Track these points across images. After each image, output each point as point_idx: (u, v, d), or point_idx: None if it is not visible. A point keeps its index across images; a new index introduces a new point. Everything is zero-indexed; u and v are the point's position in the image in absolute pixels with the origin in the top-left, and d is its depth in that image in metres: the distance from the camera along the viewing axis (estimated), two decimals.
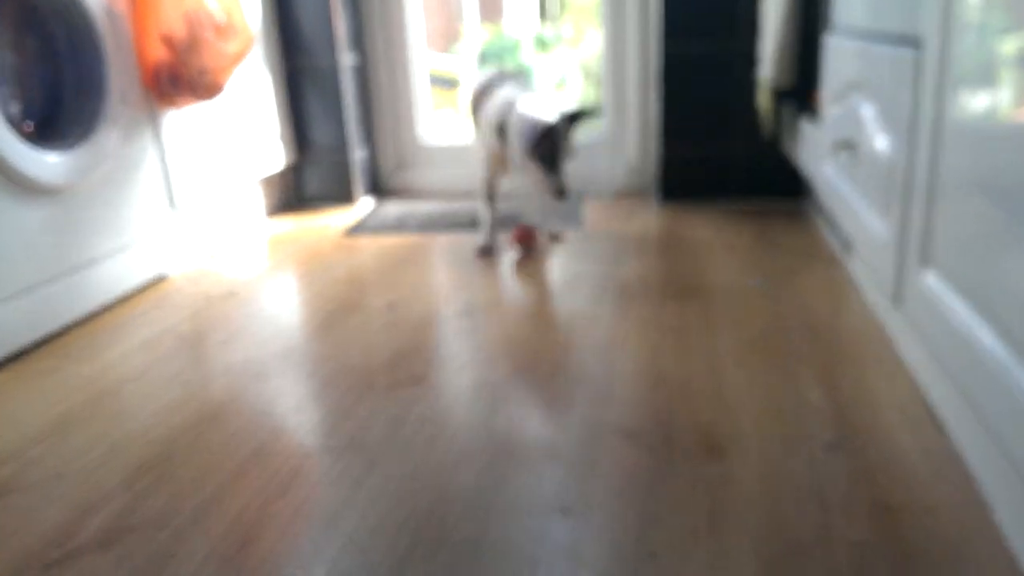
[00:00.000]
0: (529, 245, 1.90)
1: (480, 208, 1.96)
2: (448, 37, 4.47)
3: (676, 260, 1.79)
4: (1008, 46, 0.72)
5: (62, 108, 1.59)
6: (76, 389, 1.30)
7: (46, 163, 1.47)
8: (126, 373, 1.35)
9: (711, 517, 0.87)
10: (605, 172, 2.53)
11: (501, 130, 1.76)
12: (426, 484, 0.97)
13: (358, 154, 2.49)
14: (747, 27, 2.12)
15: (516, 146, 1.70)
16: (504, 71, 1.97)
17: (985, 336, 0.75)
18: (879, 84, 1.12)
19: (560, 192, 1.68)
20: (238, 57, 1.82)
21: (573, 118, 1.71)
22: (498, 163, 1.87)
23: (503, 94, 1.81)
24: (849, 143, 1.27)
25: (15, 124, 1.44)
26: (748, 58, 2.13)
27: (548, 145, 1.66)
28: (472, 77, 2.11)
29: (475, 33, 3.80)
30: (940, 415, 1.04)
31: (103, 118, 1.62)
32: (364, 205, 2.50)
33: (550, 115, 1.66)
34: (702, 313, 1.46)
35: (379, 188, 2.67)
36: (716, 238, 1.94)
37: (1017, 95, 0.71)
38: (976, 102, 0.79)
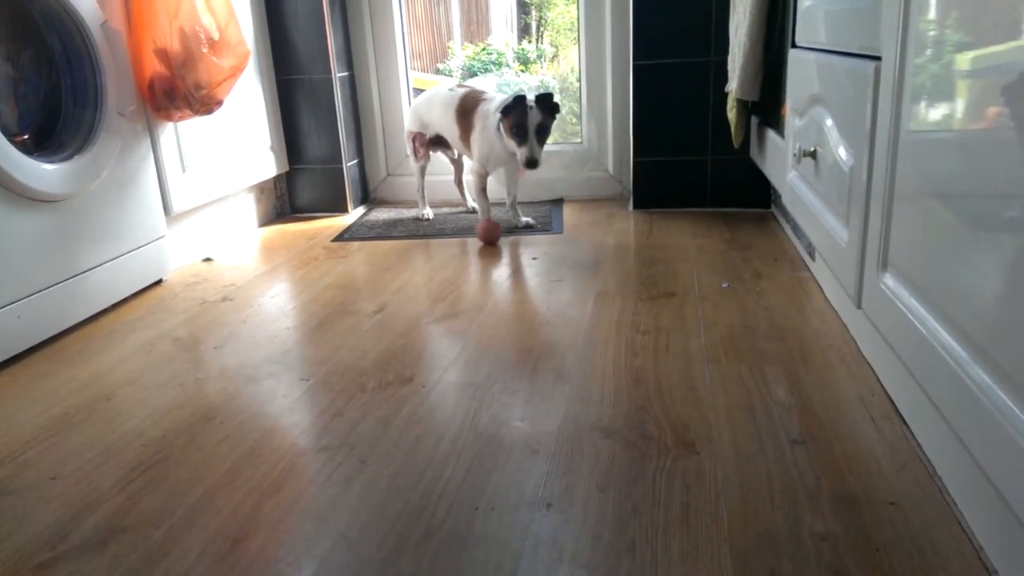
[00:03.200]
0: (492, 237, 2.05)
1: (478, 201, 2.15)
2: (436, 54, 4.45)
3: (651, 264, 1.79)
4: (961, 61, 0.72)
5: (60, 120, 1.56)
6: (72, 392, 1.27)
7: (44, 173, 1.44)
8: (121, 377, 1.32)
9: (686, 510, 0.86)
10: (583, 180, 2.52)
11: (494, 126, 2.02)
12: (414, 481, 0.95)
13: (349, 164, 2.47)
14: (717, 42, 2.12)
15: (495, 127, 2.00)
16: (476, 88, 2.18)
17: (941, 334, 0.75)
18: (840, 96, 1.12)
19: (531, 162, 1.93)
20: (234, 72, 1.80)
21: (544, 99, 1.96)
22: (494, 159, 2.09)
23: (496, 101, 2.04)
24: (811, 153, 1.27)
25: (13, 135, 1.41)
26: (718, 72, 2.14)
27: (519, 116, 1.93)
28: (450, 90, 2.21)
29: (461, 50, 3.80)
30: (902, 411, 1.04)
31: (100, 129, 1.59)
32: (355, 213, 2.48)
33: (524, 100, 1.93)
34: (676, 315, 1.46)
35: (369, 197, 2.65)
36: (689, 243, 1.94)
37: (968, 107, 0.70)
38: (931, 114, 0.79)
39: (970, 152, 0.70)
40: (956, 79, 0.73)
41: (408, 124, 2.31)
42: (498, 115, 1.99)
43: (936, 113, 0.78)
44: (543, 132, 1.96)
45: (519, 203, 2.30)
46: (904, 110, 0.85)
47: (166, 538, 0.87)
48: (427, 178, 2.37)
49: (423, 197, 2.36)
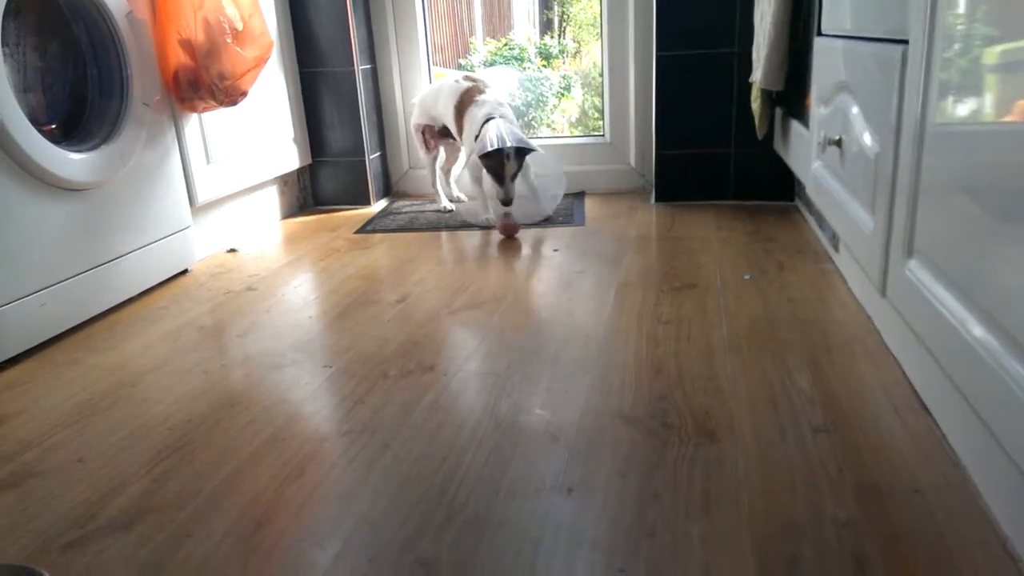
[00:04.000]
0: (511, 233, 2.05)
1: (475, 189, 2.21)
2: (458, 48, 4.46)
3: (673, 256, 1.78)
4: (990, 50, 0.71)
5: (87, 109, 1.58)
6: (97, 379, 1.29)
7: (71, 162, 1.47)
8: (147, 363, 1.35)
9: (706, 497, 0.86)
10: (605, 173, 2.51)
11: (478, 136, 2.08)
12: (435, 466, 0.96)
13: (371, 157, 2.48)
14: (742, 33, 2.10)
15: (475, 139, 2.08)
16: (476, 81, 2.23)
17: (967, 321, 0.74)
18: (867, 83, 1.10)
19: (505, 201, 2.04)
20: (257, 63, 1.82)
21: (520, 151, 2.03)
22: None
23: (484, 109, 2.11)
24: (837, 141, 1.25)
25: (41, 125, 1.44)
26: (742, 63, 2.12)
27: (496, 164, 2.01)
28: (451, 83, 2.25)
29: (483, 45, 3.80)
30: (926, 401, 1.03)
31: (126, 119, 1.61)
32: (377, 205, 2.50)
33: (502, 141, 1.99)
34: (698, 306, 1.45)
35: (391, 189, 2.66)
36: (712, 236, 1.92)
37: (996, 95, 0.69)
38: (960, 95, 0.78)
39: (1003, 136, 0.69)
40: (984, 68, 0.72)
41: (416, 117, 2.33)
42: (479, 142, 2.04)
43: (966, 94, 0.77)
44: (517, 174, 2.07)
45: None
46: (932, 92, 0.83)
47: (191, 519, 0.88)
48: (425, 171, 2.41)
49: (439, 190, 2.37)
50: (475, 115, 2.12)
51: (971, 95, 0.75)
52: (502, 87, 2.23)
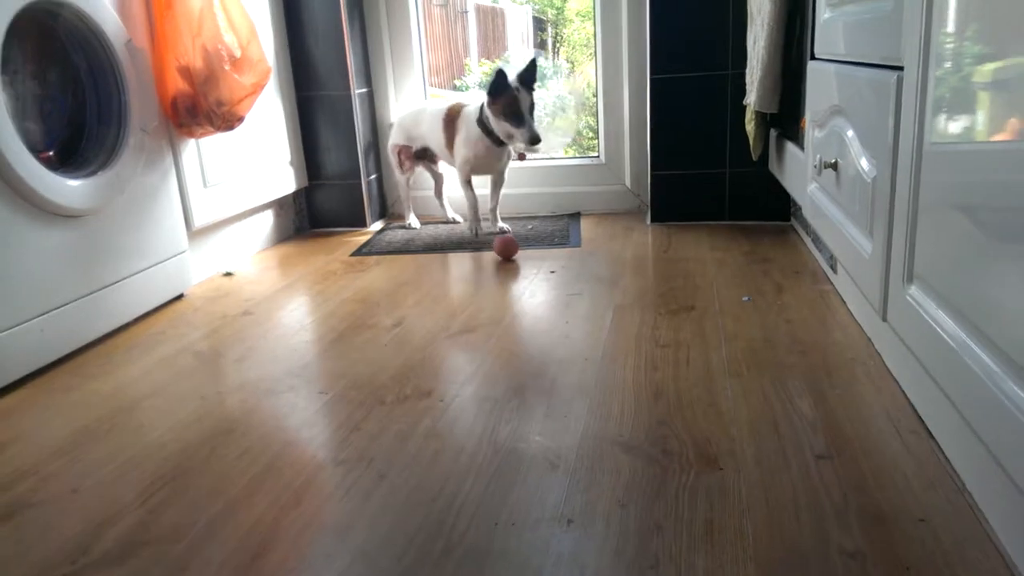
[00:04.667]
0: (509, 253, 2.03)
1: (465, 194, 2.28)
2: (453, 70, 4.48)
3: (670, 278, 1.77)
4: (984, 71, 0.71)
5: (84, 136, 1.58)
6: (93, 406, 1.27)
7: (68, 189, 1.46)
8: (143, 390, 1.33)
9: (709, 527, 0.85)
10: (601, 194, 2.52)
11: (482, 124, 2.13)
12: (433, 495, 0.95)
13: (368, 179, 2.48)
14: (735, 55, 2.12)
15: (476, 129, 2.12)
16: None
17: (971, 347, 0.73)
18: (862, 107, 1.10)
19: (535, 139, 2.01)
20: (255, 89, 1.82)
21: (526, 76, 2.03)
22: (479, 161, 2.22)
23: (475, 107, 2.16)
24: (832, 164, 1.25)
25: (39, 152, 1.43)
26: (736, 85, 2.13)
27: (510, 100, 2.01)
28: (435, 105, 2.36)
29: (478, 67, 3.82)
30: (930, 426, 1.02)
31: (124, 146, 1.61)
32: (373, 228, 2.49)
33: (507, 80, 2.00)
34: (696, 328, 1.44)
35: (387, 212, 2.66)
36: (708, 257, 1.92)
37: (993, 117, 0.69)
38: (956, 122, 0.77)
39: (999, 160, 0.68)
40: (979, 88, 0.72)
41: (393, 138, 2.41)
42: (477, 117, 2.13)
43: (961, 122, 0.77)
44: (533, 108, 2.06)
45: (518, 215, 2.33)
46: (927, 118, 0.83)
47: (186, 552, 0.87)
48: (428, 192, 2.52)
49: (409, 207, 2.46)
50: (468, 112, 2.19)
51: (966, 118, 0.75)
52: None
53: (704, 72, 2.16)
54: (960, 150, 0.77)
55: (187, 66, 1.67)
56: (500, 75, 2.01)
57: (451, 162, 2.30)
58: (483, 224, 2.28)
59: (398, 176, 2.43)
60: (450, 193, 2.48)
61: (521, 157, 2.30)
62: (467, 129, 2.18)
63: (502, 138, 2.11)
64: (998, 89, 0.68)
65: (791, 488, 0.91)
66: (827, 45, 1.36)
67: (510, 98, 2.02)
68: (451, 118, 2.23)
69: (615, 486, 0.94)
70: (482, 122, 2.13)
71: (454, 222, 2.47)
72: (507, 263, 2.00)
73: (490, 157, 2.19)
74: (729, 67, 2.13)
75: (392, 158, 2.42)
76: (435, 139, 2.28)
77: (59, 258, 1.46)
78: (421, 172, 2.51)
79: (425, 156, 2.40)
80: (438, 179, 2.49)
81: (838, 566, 0.77)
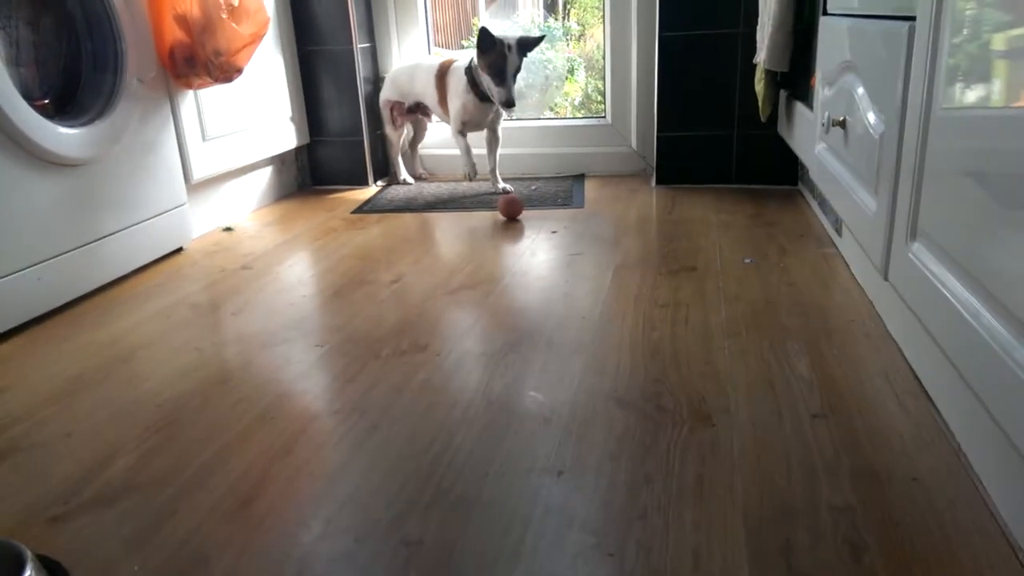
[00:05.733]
0: (513, 212, 2.02)
1: (458, 142, 2.28)
2: (460, 30, 4.41)
3: (673, 239, 1.75)
4: (997, 33, 0.68)
5: (80, 84, 1.56)
6: (89, 355, 1.27)
7: (64, 137, 1.44)
8: (139, 340, 1.33)
9: (699, 481, 0.84)
10: (606, 155, 2.48)
11: (470, 77, 2.13)
12: (425, 446, 0.94)
13: (370, 137, 2.45)
14: (746, 13, 2.07)
15: (465, 84, 2.13)
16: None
17: (972, 304, 0.71)
18: (872, 61, 1.07)
19: (507, 102, 2.02)
20: (253, 39, 1.78)
21: (524, 44, 2.04)
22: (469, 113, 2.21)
23: (465, 61, 2.16)
24: (841, 122, 1.23)
25: (34, 99, 1.42)
26: (746, 44, 2.08)
27: (498, 57, 2.00)
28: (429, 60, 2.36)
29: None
30: (928, 388, 1.01)
31: (120, 95, 1.59)
32: (375, 186, 2.47)
33: (494, 38, 2.00)
34: (696, 289, 1.43)
35: (389, 170, 2.63)
36: (712, 219, 1.90)
37: (1005, 77, 0.67)
38: (968, 71, 0.75)
39: (1013, 113, 0.66)
40: (994, 33, 0.69)
41: (385, 94, 2.40)
42: (466, 67, 2.13)
43: (974, 71, 0.74)
44: (518, 72, 2.06)
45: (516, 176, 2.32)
46: (939, 69, 0.81)
47: (176, 496, 0.87)
48: (434, 151, 2.52)
49: (401, 164, 2.46)
50: (458, 67, 2.19)
51: (981, 57, 0.72)
52: None
53: (715, 30, 2.11)
54: (973, 98, 0.75)
55: (184, 14, 1.64)
56: (484, 31, 2.01)
57: (446, 119, 2.30)
58: (478, 177, 2.31)
59: (388, 132, 2.43)
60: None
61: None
62: (456, 81, 2.19)
63: (486, 92, 2.11)
64: (1012, 56, 0.66)
65: (784, 446, 0.90)
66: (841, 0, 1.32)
67: (499, 55, 2.03)
68: (443, 73, 2.24)
69: (607, 440, 0.94)
70: (470, 73, 2.13)
71: (421, 178, 2.51)
72: (511, 223, 1.99)
73: (476, 111, 2.19)
74: (740, 25, 2.09)
75: (384, 113, 2.41)
76: (430, 95, 2.29)
77: (56, 207, 1.45)
78: (430, 129, 2.52)
79: (417, 111, 2.41)
80: (419, 135, 2.52)
81: (827, 521, 0.77)
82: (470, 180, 2.30)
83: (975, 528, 0.75)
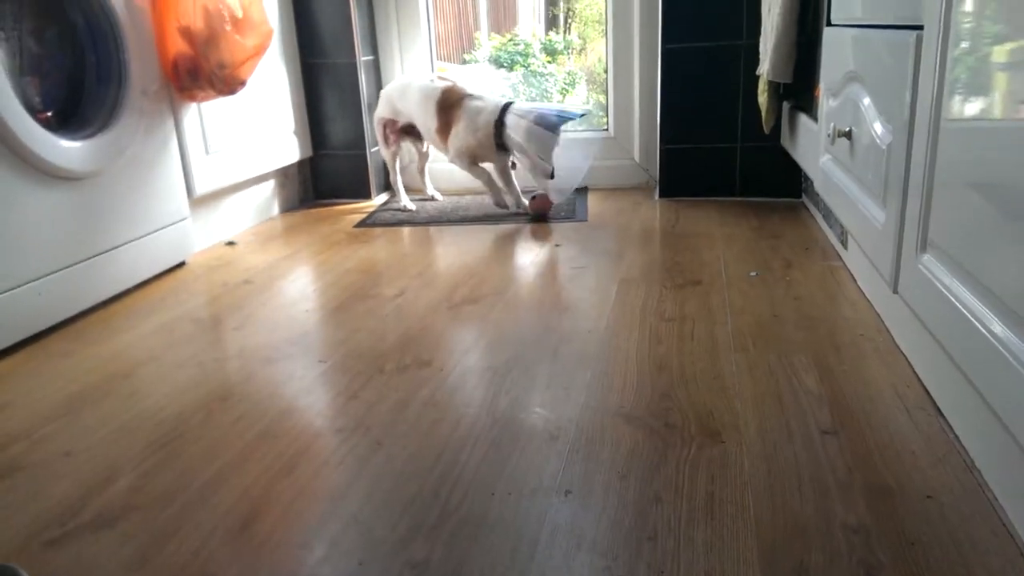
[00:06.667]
0: (544, 209, 2.11)
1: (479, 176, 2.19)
2: (463, 43, 4.42)
3: (677, 252, 1.74)
4: (1009, 42, 0.67)
5: (84, 97, 1.55)
6: (90, 371, 1.26)
7: (67, 150, 1.44)
8: (140, 356, 1.32)
9: (710, 500, 0.83)
10: (609, 168, 2.48)
11: (497, 130, 2.05)
12: (430, 464, 0.93)
13: (372, 150, 2.45)
14: (749, 25, 2.06)
15: (523, 145, 2.02)
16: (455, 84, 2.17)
17: (986, 316, 0.70)
18: (879, 71, 1.07)
19: (552, 175, 2.02)
20: (257, 51, 1.78)
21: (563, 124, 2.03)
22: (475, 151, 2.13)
23: (487, 100, 2.08)
24: (847, 133, 1.22)
25: (37, 112, 1.41)
26: (749, 56, 2.08)
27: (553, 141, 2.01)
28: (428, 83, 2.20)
29: (487, 40, 3.77)
30: (939, 402, 0.99)
31: (123, 108, 1.58)
32: (377, 200, 2.46)
33: (561, 117, 2.01)
34: (702, 303, 1.42)
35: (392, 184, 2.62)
36: (716, 232, 1.89)
37: (1012, 85, 0.66)
38: (973, 93, 0.74)
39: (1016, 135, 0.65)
40: (1005, 42, 0.68)
41: (379, 111, 2.27)
42: (497, 118, 2.04)
43: (984, 79, 0.73)
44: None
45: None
46: (947, 77, 0.80)
47: (177, 516, 0.85)
48: (435, 164, 2.40)
49: (401, 188, 2.32)
50: (477, 107, 2.07)
51: (991, 65, 0.71)
52: (481, 87, 2.21)
53: (717, 42, 2.11)
54: (978, 118, 0.74)
55: (188, 27, 1.64)
56: (554, 126, 1.99)
57: (439, 147, 2.18)
58: (506, 199, 2.20)
59: (383, 151, 2.31)
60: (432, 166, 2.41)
61: (513, 165, 2.19)
62: (470, 119, 2.06)
63: (518, 156, 2.06)
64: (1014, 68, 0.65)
65: (794, 462, 0.89)
66: (844, 10, 1.31)
67: (555, 139, 2.00)
68: (448, 103, 2.10)
69: (615, 457, 0.92)
70: (500, 126, 2.04)
71: (433, 199, 2.38)
72: (512, 236, 1.97)
73: (487, 155, 2.11)
74: (743, 36, 2.08)
75: (377, 131, 2.30)
76: (424, 121, 2.16)
77: (58, 221, 1.44)
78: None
79: (410, 132, 2.28)
80: (422, 156, 2.39)
81: (841, 541, 0.75)
82: (504, 208, 2.19)
83: (992, 547, 0.73)
